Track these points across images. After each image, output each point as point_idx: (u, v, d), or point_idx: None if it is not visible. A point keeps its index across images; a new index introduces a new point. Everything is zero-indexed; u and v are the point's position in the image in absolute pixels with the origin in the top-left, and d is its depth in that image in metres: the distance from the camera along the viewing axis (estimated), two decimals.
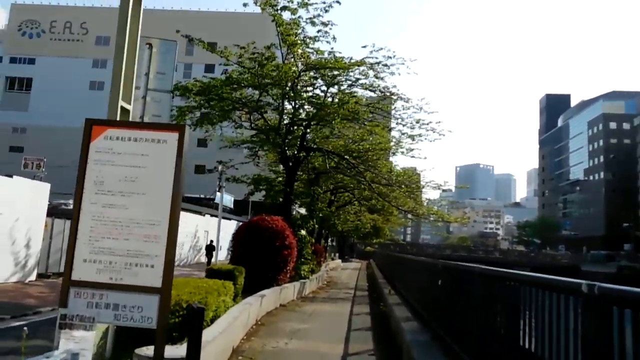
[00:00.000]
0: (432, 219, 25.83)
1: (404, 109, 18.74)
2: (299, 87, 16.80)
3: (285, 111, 18.14)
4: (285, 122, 18.46)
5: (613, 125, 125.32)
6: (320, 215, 26.99)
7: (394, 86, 17.98)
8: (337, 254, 74.05)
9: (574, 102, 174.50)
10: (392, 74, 18.30)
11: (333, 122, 18.32)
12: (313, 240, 22.45)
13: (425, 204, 27.67)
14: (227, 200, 51.95)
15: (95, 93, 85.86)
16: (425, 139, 20.08)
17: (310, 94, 17.93)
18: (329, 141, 23.47)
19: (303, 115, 18.76)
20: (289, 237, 15.67)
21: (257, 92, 17.35)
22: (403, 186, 24.37)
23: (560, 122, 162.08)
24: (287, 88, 16.44)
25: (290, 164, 19.44)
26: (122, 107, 6.47)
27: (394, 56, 17.85)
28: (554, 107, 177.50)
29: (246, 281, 12.86)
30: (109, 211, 4.97)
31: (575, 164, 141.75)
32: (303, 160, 20.46)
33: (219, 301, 8.13)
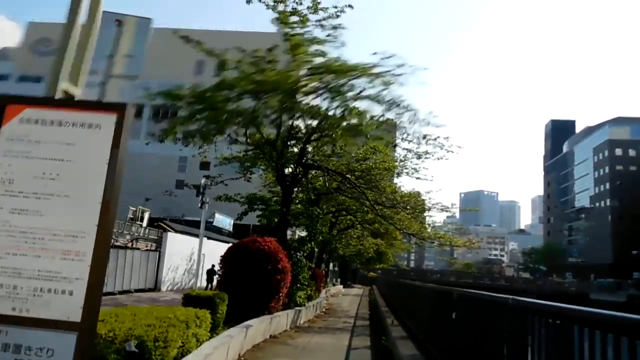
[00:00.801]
0: (437, 243, 24.34)
1: (410, 123, 17.39)
2: (299, 94, 15.49)
3: (282, 123, 16.78)
4: (282, 134, 17.12)
5: (619, 151, 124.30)
6: (321, 238, 25.63)
7: (400, 97, 16.59)
8: (338, 279, 72.31)
9: (579, 128, 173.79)
10: (402, 84, 17.06)
11: (334, 135, 17.03)
12: (311, 265, 21.02)
13: (430, 227, 26.31)
14: (227, 223, 50.52)
15: None
16: (433, 156, 18.74)
17: (311, 104, 16.58)
18: (330, 160, 22.25)
19: (302, 128, 17.44)
20: (283, 261, 14.27)
21: (253, 102, 16.12)
22: (408, 207, 22.98)
23: (565, 148, 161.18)
24: (286, 96, 15.12)
25: (288, 182, 18.11)
26: (65, 92, 5.03)
27: (405, 64, 16.59)
28: (559, 133, 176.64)
29: (233, 309, 11.48)
30: (18, 219, 3.67)
31: (581, 190, 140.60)
32: (301, 178, 19.14)
33: (188, 335, 6.75)
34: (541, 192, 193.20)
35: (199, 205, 14.86)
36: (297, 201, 22.90)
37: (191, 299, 10.04)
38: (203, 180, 15.29)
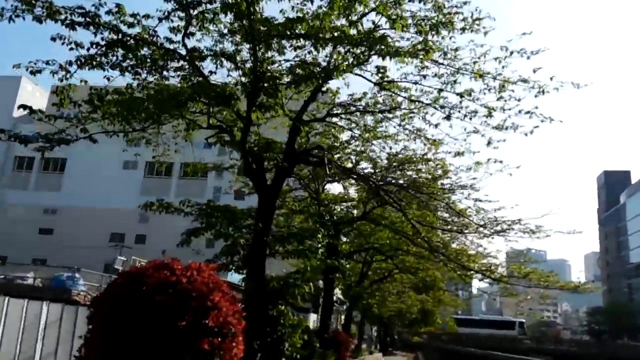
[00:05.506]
0: (529, 285, 15.72)
1: (475, 63, 9.58)
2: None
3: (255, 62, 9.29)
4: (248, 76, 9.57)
5: None
6: (341, 287, 17.84)
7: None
8: (377, 346, 62.81)
9: (634, 178, 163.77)
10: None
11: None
12: (306, 324, 13.06)
13: (504, 262, 17.74)
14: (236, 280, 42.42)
15: (128, 172, 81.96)
16: (516, 130, 10.68)
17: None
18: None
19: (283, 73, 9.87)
20: (222, 310, 6.57)
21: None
22: (472, 223, 14.75)
23: (622, 199, 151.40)
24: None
25: (268, 180, 10.60)
26: None
27: None
28: (614, 184, 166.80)
29: None
30: None
31: None
32: (289, 173, 11.47)
33: None
34: (593, 248, 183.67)
35: None
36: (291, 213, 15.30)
37: None
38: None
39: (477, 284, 70.92)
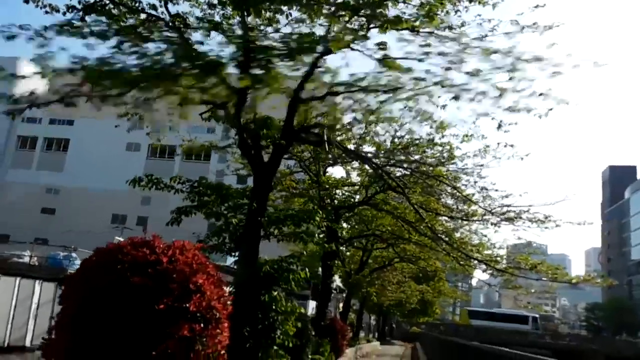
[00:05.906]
0: (537, 278, 15.07)
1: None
2: None
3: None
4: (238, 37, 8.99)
5: None
6: (340, 274, 17.36)
7: None
8: (375, 334, 62.63)
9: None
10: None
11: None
12: (301, 310, 12.50)
13: (505, 249, 17.14)
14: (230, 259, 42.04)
15: (131, 154, 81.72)
16: (529, 112, 10.07)
17: None
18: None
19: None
20: (207, 293, 6.04)
21: None
22: (481, 212, 14.19)
23: (627, 195, 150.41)
24: None
25: (265, 156, 10.06)
26: None
27: None
28: (619, 179, 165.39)
29: None
30: None
31: None
32: (286, 150, 10.92)
33: None
34: (594, 244, 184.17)
35: None
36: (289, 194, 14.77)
37: None
38: None
39: (478, 276, 70.75)
